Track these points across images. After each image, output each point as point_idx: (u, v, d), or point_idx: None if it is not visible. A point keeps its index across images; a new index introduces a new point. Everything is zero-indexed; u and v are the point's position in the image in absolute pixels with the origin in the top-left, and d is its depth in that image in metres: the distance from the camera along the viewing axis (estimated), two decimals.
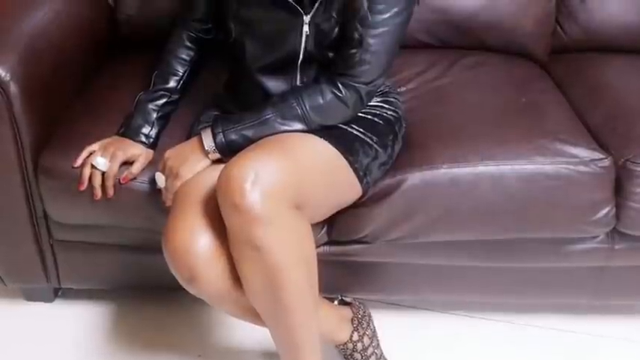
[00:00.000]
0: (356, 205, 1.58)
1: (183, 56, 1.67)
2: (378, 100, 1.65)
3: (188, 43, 1.67)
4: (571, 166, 1.59)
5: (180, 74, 1.67)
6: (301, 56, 1.52)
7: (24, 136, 1.58)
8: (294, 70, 1.55)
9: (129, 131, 1.61)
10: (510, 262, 1.76)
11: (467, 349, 1.85)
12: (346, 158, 1.48)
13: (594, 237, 1.70)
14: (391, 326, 1.78)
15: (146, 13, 1.99)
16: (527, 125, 1.69)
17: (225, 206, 1.29)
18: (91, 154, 1.57)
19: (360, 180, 1.51)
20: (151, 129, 1.61)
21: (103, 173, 1.56)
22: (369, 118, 1.59)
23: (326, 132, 1.49)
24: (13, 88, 1.52)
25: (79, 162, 1.57)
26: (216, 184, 1.32)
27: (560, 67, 2.04)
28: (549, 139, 1.63)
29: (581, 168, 1.59)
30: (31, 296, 1.96)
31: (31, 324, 1.90)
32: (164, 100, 1.64)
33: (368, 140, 1.54)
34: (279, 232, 1.28)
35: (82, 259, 1.81)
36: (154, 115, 1.63)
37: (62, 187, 1.61)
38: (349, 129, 1.54)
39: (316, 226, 1.61)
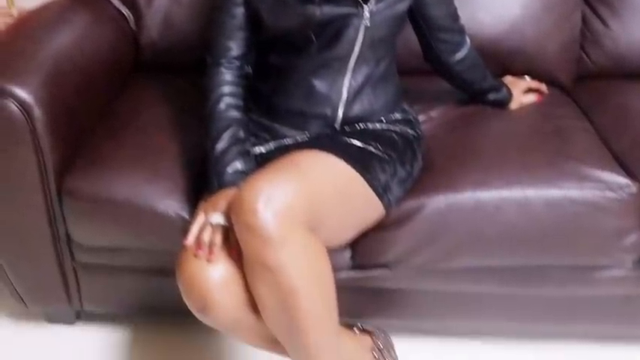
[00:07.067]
0: (379, 229, 1.57)
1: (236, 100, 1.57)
2: (398, 117, 1.65)
3: (235, 87, 1.58)
4: (598, 192, 1.57)
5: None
6: (357, 51, 1.52)
7: (47, 158, 1.58)
8: (345, 69, 1.55)
9: (227, 181, 1.45)
10: (535, 289, 1.72)
11: None
12: (363, 176, 1.46)
13: (621, 265, 1.66)
14: (415, 354, 1.76)
15: (169, 36, 2.00)
16: (553, 151, 1.67)
17: (239, 227, 1.28)
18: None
19: (380, 197, 1.49)
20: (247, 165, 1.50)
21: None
22: (387, 136, 1.58)
23: (342, 150, 1.47)
24: (36, 112, 1.53)
25: (190, 240, 1.36)
26: (230, 204, 1.32)
27: (585, 94, 2.02)
28: (575, 165, 1.61)
29: (608, 194, 1.57)
30: (52, 318, 1.96)
31: (52, 346, 1.90)
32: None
33: (385, 157, 1.52)
34: (292, 252, 1.27)
35: (104, 282, 1.80)
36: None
37: (85, 210, 1.62)
38: (367, 147, 1.53)
39: (341, 250, 1.60)
